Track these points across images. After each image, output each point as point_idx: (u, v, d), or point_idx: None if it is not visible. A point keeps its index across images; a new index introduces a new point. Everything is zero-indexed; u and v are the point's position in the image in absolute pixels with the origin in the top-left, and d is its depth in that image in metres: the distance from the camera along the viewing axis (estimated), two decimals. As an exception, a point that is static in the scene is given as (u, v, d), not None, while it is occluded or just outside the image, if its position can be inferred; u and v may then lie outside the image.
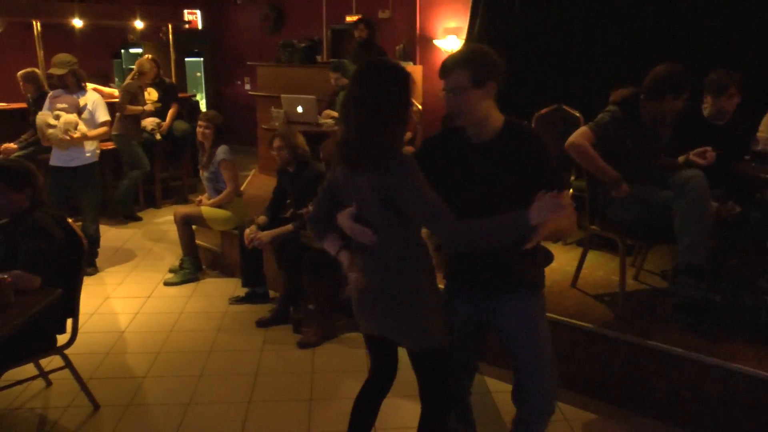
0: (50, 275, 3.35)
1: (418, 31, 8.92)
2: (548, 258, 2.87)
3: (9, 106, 7.91)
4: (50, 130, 5.67)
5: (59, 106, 5.79)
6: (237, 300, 5.39)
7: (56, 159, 5.80)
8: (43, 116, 5.70)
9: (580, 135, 3.85)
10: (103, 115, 5.92)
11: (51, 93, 5.87)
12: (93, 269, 6.06)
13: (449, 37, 8.76)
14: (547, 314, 3.94)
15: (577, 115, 5.74)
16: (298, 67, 8.27)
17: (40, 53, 7.99)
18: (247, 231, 5.06)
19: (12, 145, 7.03)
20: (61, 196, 5.79)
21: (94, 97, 5.92)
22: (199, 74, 12.54)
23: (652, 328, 3.79)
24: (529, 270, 2.65)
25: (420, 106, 7.11)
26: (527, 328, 2.63)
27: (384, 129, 2.29)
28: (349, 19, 10.15)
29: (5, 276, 3.07)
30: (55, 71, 5.76)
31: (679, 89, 3.75)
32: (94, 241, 6.10)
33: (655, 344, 3.63)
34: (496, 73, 2.44)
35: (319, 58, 9.08)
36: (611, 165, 3.81)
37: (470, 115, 2.47)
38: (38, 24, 8.01)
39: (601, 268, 4.81)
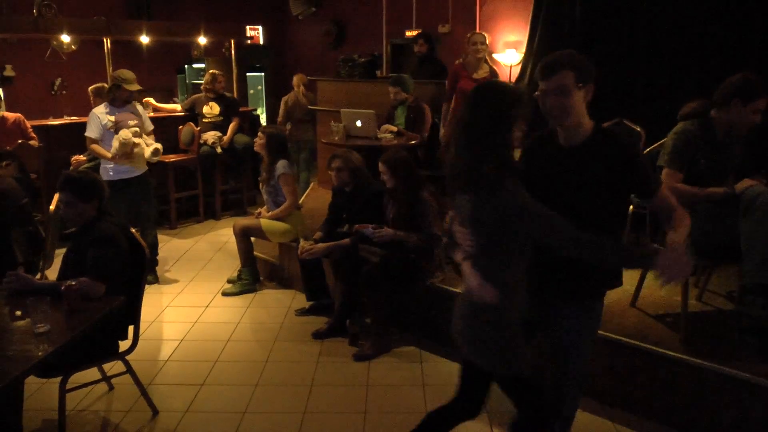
0: (115, 283, 3.47)
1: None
2: (618, 280, 2.80)
3: (80, 120, 8.20)
4: (137, 149, 5.95)
5: (132, 123, 6.06)
6: (302, 312, 5.45)
7: (117, 173, 6.01)
8: (127, 135, 5.92)
9: (667, 179, 3.67)
10: (150, 125, 6.32)
11: (106, 109, 6.03)
12: (153, 277, 6.25)
13: (508, 51, 8.74)
14: (606, 334, 3.91)
15: (639, 130, 5.64)
16: (358, 82, 8.35)
17: (110, 69, 8.28)
18: (303, 242, 5.13)
19: (81, 158, 7.29)
20: (123, 209, 5.99)
21: (141, 110, 6.27)
22: (260, 88, 12.78)
23: (718, 352, 3.67)
24: (592, 281, 2.65)
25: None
26: (579, 339, 2.69)
27: (488, 152, 2.33)
28: (408, 34, 10.23)
29: (73, 283, 3.20)
30: (134, 88, 6.02)
31: (748, 95, 3.54)
32: (153, 249, 6.30)
33: (721, 368, 3.51)
34: (593, 76, 2.53)
35: (378, 73, 9.16)
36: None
37: (572, 116, 2.52)
38: (108, 41, 8.32)
39: (663, 288, 4.70)
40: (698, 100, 3.84)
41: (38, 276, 4.77)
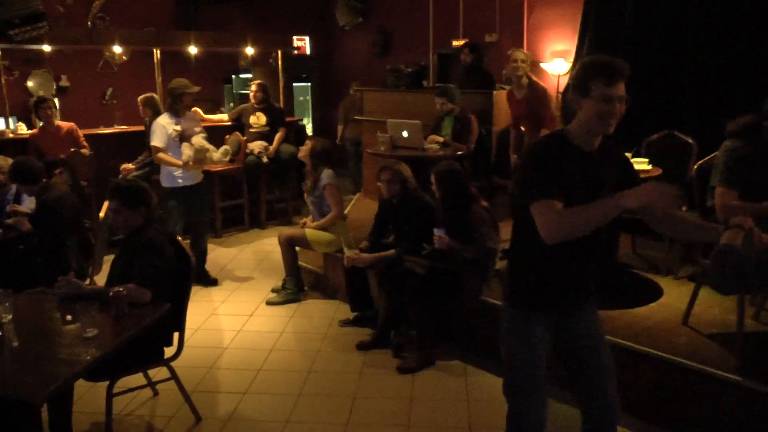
0: (161, 290, 3.53)
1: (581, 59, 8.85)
2: (657, 292, 2.80)
3: (129, 129, 8.42)
4: (214, 155, 6.16)
5: (198, 130, 6.24)
6: (346, 322, 5.48)
7: (186, 179, 6.17)
8: (201, 141, 6.09)
9: (722, 198, 3.69)
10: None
11: (170, 119, 6.16)
12: (213, 278, 6.47)
13: (556, 61, 8.67)
14: (656, 352, 3.84)
15: (690, 141, 5.54)
16: (405, 92, 8.37)
17: (159, 79, 8.48)
18: (348, 252, 5.16)
19: (130, 166, 7.47)
20: (182, 214, 6.15)
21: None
22: (306, 98, 12.90)
23: (774, 372, 3.58)
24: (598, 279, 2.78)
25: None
26: (600, 335, 2.79)
27: None
28: (455, 43, 10.23)
29: (121, 289, 3.27)
30: (195, 89, 6.20)
31: None
32: (204, 255, 6.50)
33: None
34: None
35: (425, 83, 9.17)
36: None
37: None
38: (158, 52, 8.51)
39: (716, 306, 4.58)
40: (747, 115, 3.79)
41: (88, 282, 4.90)
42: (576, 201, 2.44)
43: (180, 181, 6.16)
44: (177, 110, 6.17)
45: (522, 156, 2.71)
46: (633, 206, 2.38)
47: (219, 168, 7.81)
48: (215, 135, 8.51)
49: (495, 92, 7.35)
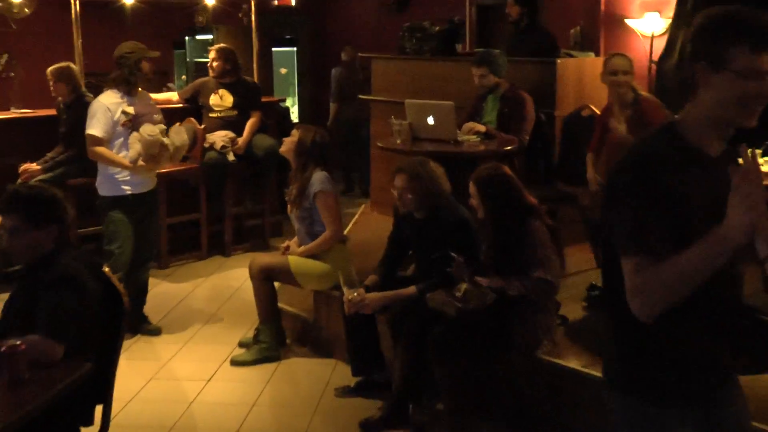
0: (78, 344, 3.50)
1: (602, 7, 8.86)
2: None
3: (34, 114, 8.42)
4: (170, 147, 6.17)
5: (158, 118, 6.33)
6: (346, 391, 5.45)
7: (136, 186, 6.23)
8: (154, 131, 6.10)
9: None
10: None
11: (118, 98, 6.19)
12: (154, 326, 6.51)
13: (648, 15, 8.64)
14: None
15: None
16: (431, 61, 8.37)
17: (78, 43, 8.49)
18: (349, 293, 5.13)
19: (35, 166, 7.47)
20: (130, 235, 6.22)
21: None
22: (286, 71, 12.95)
23: None
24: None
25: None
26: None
27: None
28: (503, -9, 10.24)
29: (18, 342, 3.23)
30: (155, 54, 6.38)
31: None
32: (144, 292, 6.56)
33: None
34: None
35: (459, 47, 9.16)
36: None
37: None
38: (77, 3, 8.53)
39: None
40: None
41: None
42: (697, 236, 2.31)
43: (126, 188, 6.17)
44: (130, 85, 6.20)
45: (618, 168, 2.55)
46: (743, 238, 2.20)
47: (165, 169, 7.83)
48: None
49: (559, 61, 7.32)
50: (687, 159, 2.41)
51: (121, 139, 6.16)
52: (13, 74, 10.77)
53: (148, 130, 6.10)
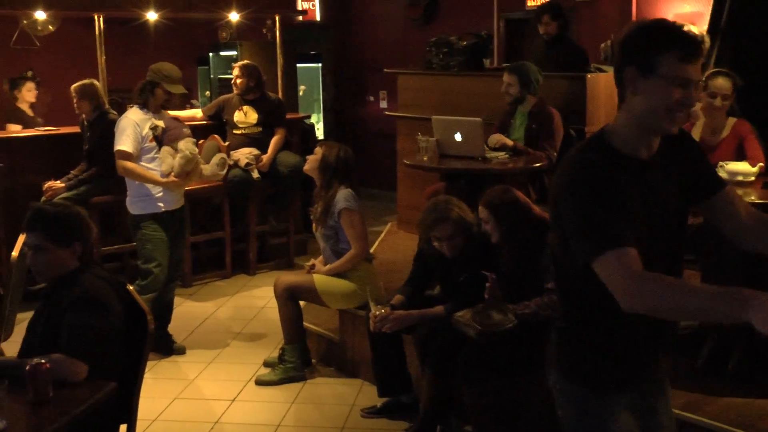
0: (102, 363, 3.51)
1: (634, 20, 8.84)
2: None
3: (57, 131, 8.49)
4: (205, 167, 6.20)
5: (186, 132, 6.39)
6: (372, 411, 5.44)
7: (168, 202, 6.30)
8: (192, 148, 6.19)
9: None
10: None
11: (144, 114, 6.29)
12: (179, 346, 6.54)
13: (683, 28, 8.62)
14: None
15: None
16: (458, 76, 8.37)
17: (102, 60, 8.57)
18: (375, 309, 5.13)
19: (58, 184, 7.52)
20: (164, 253, 6.29)
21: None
22: (304, 89, 12.94)
23: None
24: None
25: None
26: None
27: None
28: (531, 3, 10.25)
29: (42, 361, 3.26)
30: (177, 90, 6.37)
31: None
32: (169, 310, 6.61)
33: None
34: None
35: (487, 62, 9.17)
36: None
37: None
38: (101, 19, 8.61)
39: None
40: None
41: (-7, 350, 4.92)
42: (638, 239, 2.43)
43: (161, 204, 6.25)
44: (144, 105, 6.30)
45: (557, 182, 2.62)
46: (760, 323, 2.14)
47: (189, 187, 7.86)
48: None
49: (589, 75, 7.32)
50: (617, 165, 2.52)
51: (150, 154, 6.22)
52: (36, 92, 10.86)
53: (189, 146, 6.16)
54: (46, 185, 7.53)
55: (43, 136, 8.37)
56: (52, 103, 9.96)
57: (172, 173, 6.16)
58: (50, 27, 10.59)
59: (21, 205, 5.13)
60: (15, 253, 4.98)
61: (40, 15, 9.27)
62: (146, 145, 6.24)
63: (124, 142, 6.20)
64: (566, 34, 8.09)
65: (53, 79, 10.42)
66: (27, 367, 3.21)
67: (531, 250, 4.66)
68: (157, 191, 6.24)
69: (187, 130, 6.43)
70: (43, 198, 7.24)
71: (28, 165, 8.00)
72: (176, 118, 6.59)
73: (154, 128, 6.19)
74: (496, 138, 6.66)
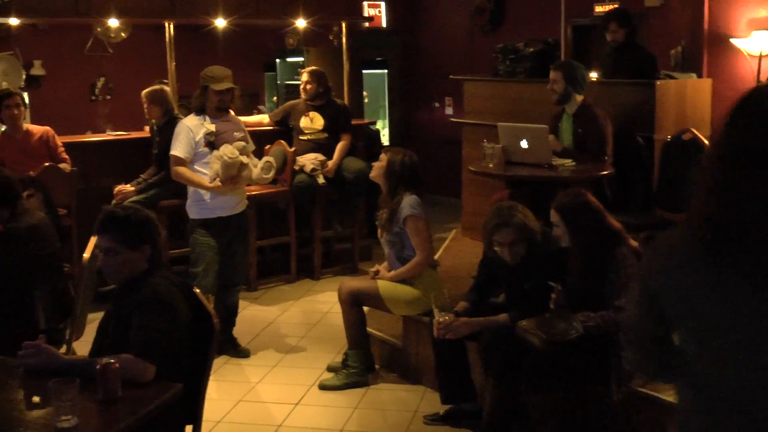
0: (169, 364, 3.58)
1: (706, 26, 8.73)
2: None
3: (128, 136, 8.64)
4: (245, 172, 6.30)
5: (238, 135, 6.44)
6: (435, 419, 5.44)
7: (219, 208, 6.37)
8: (233, 151, 6.24)
9: None
10: (252, 144, 6.69)
11: (200, 119, 6.41)
12: (244, 349, 6.61)
13: (755, 34, 8.48)
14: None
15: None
16: (525, 83, 8.35)
17: (171, 66, 8.70)
18: (439, 316, 5.14)
19: (128, 188, 7.64)
20: (214, 258, 6.34)
21: (241, 122, 6.71)
22: (376, 93, 12.98)
23: None
24: None
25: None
26: None
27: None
28: (599, 9, 10.17)
29: (112, 361, 3.32)
30: (221, 86, 6.39)
31: None
32: (233, 314, 6.67)
33: None
34: None
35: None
36: None
37: None
38: (171, 27, 8.76)
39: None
40: None
41: (64, 349, 5.01)
42: None
43: (214, 210, 6.34)
44: (200, 110, 6.42)
45: None
46: None
47: (255, 191, 7.94)
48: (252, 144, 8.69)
49: (659, 82, 7.25)
50: None
51: (204, 159, 6.33)
52: (109, 97, 11.08)
53: (228, 150, 6.21)
54: (117, 189, 7.65)
55: (114, 140, 8.55)
56: (124, 108, 10.13)
57: (217, 178, 6.23)
58: (123, 34, 10.76)
59: (93, 208, 5.22)
60: (86, 255, 5.07)
61: (113, 22, 9.40)
62: (200, 150, 6.33)
63: (176, 148, 6.34)
64: (634, 40, 8.01)
65: (124, 85, 10.61)
66: (97, 366, 3.28)
67: (599, 260, 4.62)
68: (211, 196, 6.33)
69: (239, 134, 6.46)
70: (114, 201, 7.32)
71: (99, 169, 8.17)
72: (236, 122, 6.62)
73: (209, 134, 6.28)
74: (551, 140, 6.63)
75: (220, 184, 6.23)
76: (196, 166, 6.37)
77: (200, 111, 6.45)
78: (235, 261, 6.55)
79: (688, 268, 2.06)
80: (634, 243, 4.76)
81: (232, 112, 6.64)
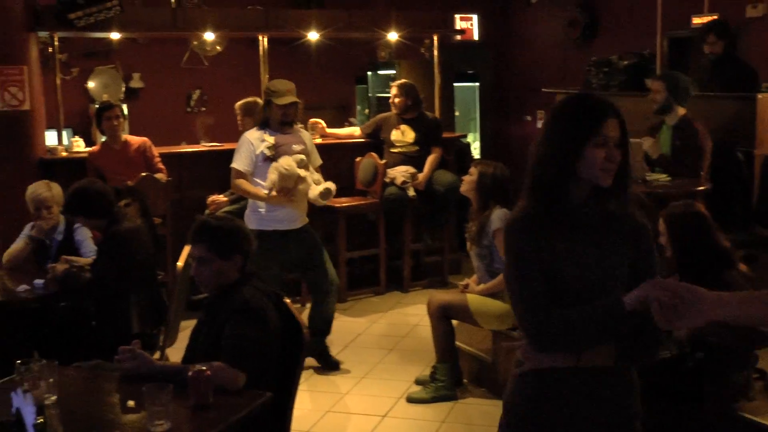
0: (259, 373, 3.63)
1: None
2: None
3: (222, 147, 8.75)
4: (302, 185, 6.34)
5: (298, 149, 6.47)
6: None
7: (272, 220, 6.39)
8: (290, 163, 6.30)
9: None
10: (318, 158, 6.76)
11: (262, 132, 6.47)
12: (334, 360, 6.61)
13: None
14: None
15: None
16: (618, 96, 8.25)
17: (265, 78, 8.83)
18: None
19: (222, 198, 7.75)
20: (274, 272, 6.32)
21: (308, 137, 6.75)
22: (467, 106, 12.96)
23: None
24: None
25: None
26: None
27: None
28: (696, 21, 10.01)
29: (204, 368, 3.38)
30: (284, 101, 6.38)
31: None
32: (327, 325, 6.65)
33: None
34: None
35: (649, 82, 9.01)
36: None
37: None
38: (265, 40, 8.89)
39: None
40: None
41: (158, 355, 5.12)
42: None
43: (270, 223, 6.35)
44: (264, 123, 6.51)
45: None
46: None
47: (345, 203, 7.99)
48: (342, 157, 8.73)
49: (760, 96, 7.11)
50: None
51: (265, 172, 6.37)
52: (204, 109, 11.27)
53: (285, 162, 6.25)
54: (210, 199, 7.78)
55: (208, 151, 8.70)
56: (218, 119, 10.30)
57: (273, 189, 6.27)
58: (218, 47, 10.97)
59: (187, 218, 5.34)
60: (180, 264, 5.18)
61: (209, 36, 9.63)
62: (261, 163, 6.38)
63: (236, 160, 6.43)
64: (733, 52, 7.88)
65: (219, 97, 10.79)
66: (189, 373, 3.35)
67: (703, 279, 4.52)
68: (267, 208, 6.35)
69: (298, 147, 6.45)
70: (207, 211, 7.45)
71: (194, 179, 8.30)
72: (299, 136, 6.60)
73: (268, 147, 6.33)
74: (645, 143, 6.54)
75: (275, 194, 6.28)
76: (256, 179, 6.42)
77: (264, 125, 6.51)
78: (313, 274, 6.58)
79: None
80: (743, 266, 4.63)
81: (297, 126, 6.70)
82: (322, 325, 6.55)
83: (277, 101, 6.38)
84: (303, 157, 6.43)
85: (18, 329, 5.27)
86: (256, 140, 6.41)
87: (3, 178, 7.54)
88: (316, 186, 6.45)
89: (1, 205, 7.49)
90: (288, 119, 6.48)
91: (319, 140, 8.50)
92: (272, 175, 6.25)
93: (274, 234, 6.36)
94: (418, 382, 6.23)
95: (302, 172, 6.34)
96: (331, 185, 6.54)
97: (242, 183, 6.43)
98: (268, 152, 6.34)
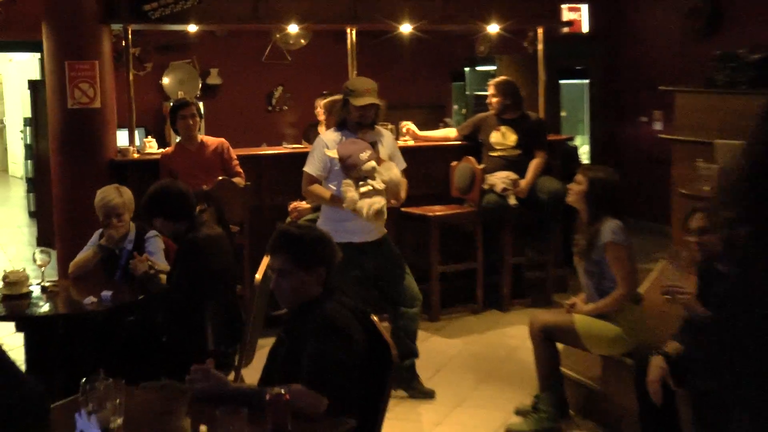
0: (342, 398, 3.60)
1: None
2: None
3: (305, 149, 8.74)
4: (374, 203, 6.23)
5: (364, 156, 6.38)
6: None
7: (356, 233, 6.36)
8: (379, 202, 6.21)
9: None
10: (402, 162, 6.68)
11: (338, 135, 6.43)
12: (427, 390, 6.53)
13: None
14: None
15: None
16: (747, 95, 8.10)
17: (353, 74, 8.85)
18: (655, 362, 5.01)
19: (305, 205, 7.76)
20: (350, 286, 6.31)
21: (390, 139, 6.70)
22: (575, 105, 12.87)
23: None
24: None
25: None
26: None
27: None
28: (837, 13, 9.79)
29: (282, 391, 3.37)
30: (360, 102, 6.34)
31: None
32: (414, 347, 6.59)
33: None
34: None
35: (782, 79, 8.85)
36: None
37: None
38: (353, 33, 8.92)
39: None
40: None
41: (233, 375, 5.14)
42: None
43: (344, 235, 6.16)
44: (341, 124, 6.49)
45: None
46: None
47: (439, 212, 7.96)
48: (436, 161, 8.72)
49: None
50: None
51: (339, 177, 6.32)
52: (286, 107, 11.36)
53: (375, 201, 6.14)
54: (292, 206, 7.79)
55: (291, 154, 8.69)
56: (301, 119, 10.36)
57: (362, 211, 6.16)
58: (302, 41, 11.05)
59: (266, 226, 5.35)
60: (258, 276, 5.19)
61: (293, 29, 9.64)
62: (335, 168, 6.34)
63: (308, 164, 6.45)
64: None
65: (303, 95, 10.85)
66: (267, 397, 3.34)
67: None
68: (339, 218, 6.31)
69: (365, 155, 6.23)
70: (288, 219, 7.48)
71: (274, 184, 8.37)
72: (375, 139, 6.54)
73: (332, 159, 6.29)
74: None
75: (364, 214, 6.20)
76: (330, 185, 6.41)
77: (341, 125, 6.49)
78: (393, 287, 6.53)
79: None
80: None
81: (379, 128, 6.63)
82: (404, 347, 6.48)
83: (354, 102, 6.35)
84: (373, 164, 6.27)
85: (83, 344, 5.36)
86: (331, 143, 6.40)
87: (71, 181, 7.70)
88: (370, 199, 6.28)
89: (68, 210, 7.64)
90: (365, 121, 6.44)
91: (411, 143, 8.50)
92: (351, 193, 6.15)
93: (348, 247, 6.32)
94: (518, 412, 6.16)
95: (375, 184, 6.25)
96: (381, 204, 6.30)
97: (314, 189, 6.45)
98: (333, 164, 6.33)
